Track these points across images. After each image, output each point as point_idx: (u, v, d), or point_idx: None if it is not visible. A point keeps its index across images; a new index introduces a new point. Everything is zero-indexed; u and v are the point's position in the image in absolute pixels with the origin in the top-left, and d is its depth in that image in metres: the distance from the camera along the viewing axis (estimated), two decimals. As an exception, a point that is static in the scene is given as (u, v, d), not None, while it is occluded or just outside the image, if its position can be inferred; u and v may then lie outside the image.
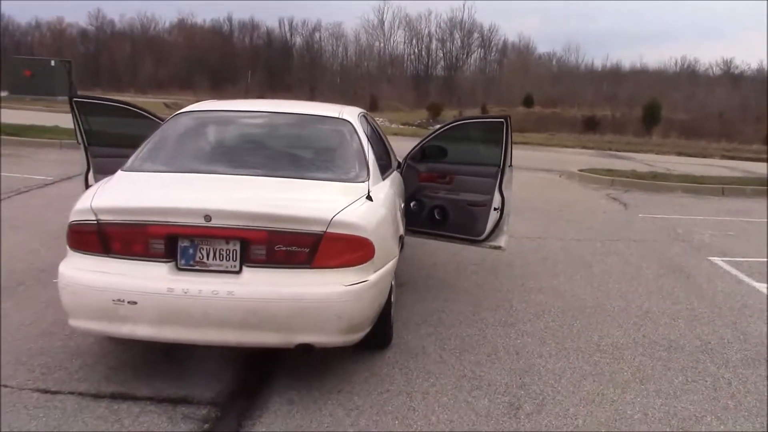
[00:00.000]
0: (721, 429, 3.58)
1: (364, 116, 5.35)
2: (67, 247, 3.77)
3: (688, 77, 72.85)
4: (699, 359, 4.54)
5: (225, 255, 3.54)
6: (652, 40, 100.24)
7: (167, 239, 3.53)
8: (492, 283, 6.02)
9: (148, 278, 3.51)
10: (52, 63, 33.38)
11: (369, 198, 3.92)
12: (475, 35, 79.82)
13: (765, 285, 6.38)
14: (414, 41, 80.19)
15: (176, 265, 3.56)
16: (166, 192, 3.88)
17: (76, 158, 11.83)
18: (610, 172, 14.64)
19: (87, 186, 5.54)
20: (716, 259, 7.37)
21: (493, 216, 5.48)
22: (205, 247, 3.54)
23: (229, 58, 75.21)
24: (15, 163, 11.40)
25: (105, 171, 5.40)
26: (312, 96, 59.29)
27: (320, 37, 79.71)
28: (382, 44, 79.41)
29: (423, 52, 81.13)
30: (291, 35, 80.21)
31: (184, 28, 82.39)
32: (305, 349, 3.60)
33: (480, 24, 79.03)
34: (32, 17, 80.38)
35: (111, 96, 32.03)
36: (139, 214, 3.60)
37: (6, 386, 3.69)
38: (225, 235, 3.51)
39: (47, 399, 3.57)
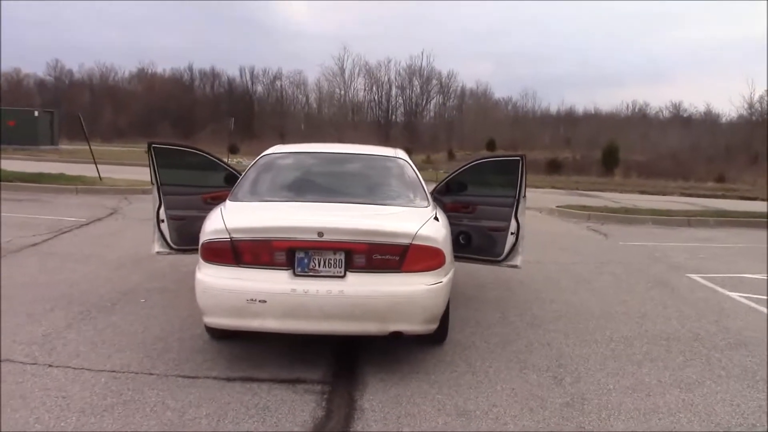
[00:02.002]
0: (718, 390, 4.65)
1: (407, 156, 6.45)
2: (201, 260, 4.70)
3: (639, 120, 75.77)
4: (692, 345, 5.65)
5: (332, 263, 4.54)
6: (603, 84, 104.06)
7: (287, 252, 4.53)
8: (511, 297, 7.09)
9: (274, 282, 4.49)
10: (36, 113, 34.03)
11: (436, 219, 4.98)
12: (434, 82, 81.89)
13: (736, 293, 7.58)
14: (374, 88, 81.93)
15: (293, 272, 4.54)
16: (286, 215, 4.90)
17: (94, 202, 12.82)
18: (585, 207, 15.96)
19: (158, 219, 6.42)
20: (693, 275, 8.59)
21: (510, 239, 6.48)
22: (316, 257, 4.54)
23: (190, 106, 75.67)
24: (43, 206, 12.22)
25: (173, 206, 6.39)
26: (282, 141, 60.48)
27: (281, 85, 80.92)
28: (342, 91, 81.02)
29: (383, 99, 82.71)
30: (252, 83, 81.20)
31: (144, 77, 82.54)
32: (396, 336, 4.60)
33: (438, 71, 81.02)
34: None
35: (69, 146, 32.53)
36: (266, 232, 4.59)
37: (152, 374, 4.59)
38: (333, 247, 4.52)
39: (190, 382, 4.47)
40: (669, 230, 13.78)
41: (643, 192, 25.68)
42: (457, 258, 6.92)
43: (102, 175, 16.71)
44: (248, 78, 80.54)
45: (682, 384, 4.74)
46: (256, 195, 5.39)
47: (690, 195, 25.23)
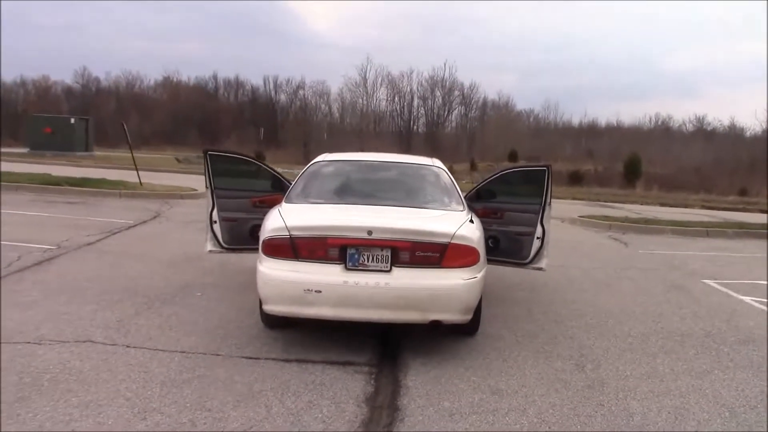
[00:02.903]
0: (725, 378, 5.16)
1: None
2: (262, 254, 5.29)
3: (662, 133, 75.79)
4: (704, 341, 6.16)
5: (380, 259, 5.12)
6: (627, 97, 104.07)
7: (340, 248, 5.12)
8: (536, 297, 7.63)
9: (329, 274, 5.08)
10: (72, 121, 35.14)
11: (471, 221, 5.56)
12: (456, 93, 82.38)
13: (749, 297, 8.07)
14: (396, 98, 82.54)
15: (345, 266, 5.12)
16: (339, 215, 5.51)
17: (137, 206, 13.54)
18: (606, 218, 16.44)
19: (211, 221, 7.04)
20: (709, 281, 9.08)
21: (536, 244, 6.99)
22: (365, 253, 5.12)
23: (214, 114, 76.55)
24: (92, 209, 12.96)
25: (225, 208, 7.00)
26: (306, 150, 61.32)
27: (304, 95, 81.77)
28: (365, 101, 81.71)
29: (405, 109, 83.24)
30: (276, 93, 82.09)
31: (169, 85, 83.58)
32: (436, 324, 5.18)
33: (461, 82, 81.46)
34: (17, 75, 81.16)
35: (102, 152, 33.47)
36: (322, 230, 5.19)
37: (218, 354, 5.18)
38: (381, 244, 5.10)
39: (252, 362, 5.06)
40: (688, 240, 14.24)
41: (663, 204, 26.01)
42: (487, 261, 7.51)
43: (141, 181, 17.44)
44: (272, 87, 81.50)
45: (693, 372, 5.27)
46: (308, 198, 6.01)
47: (711, 208, 25.54)
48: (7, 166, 19.80)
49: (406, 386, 4.71)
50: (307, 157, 53.99)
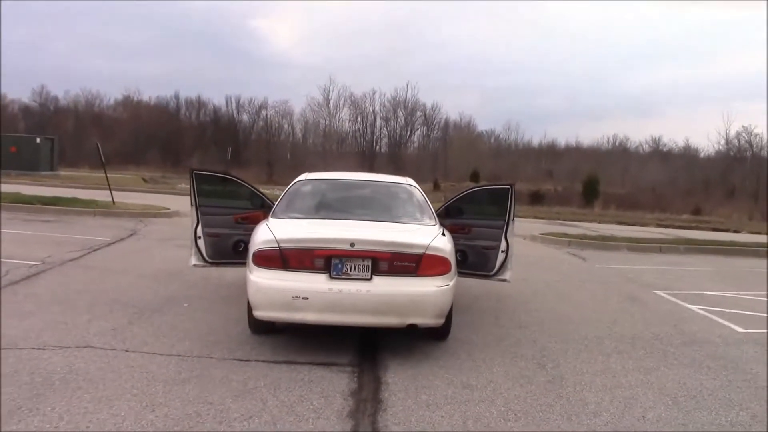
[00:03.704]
0: (670, 373, 5.78)
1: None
2: (253, 265, 5.75)
3: (620, 154, 77.71)
4: (653, 343, 6.80)
5: (361, 268, 5.64)
6: (586, 118, 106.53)
7: (325, 258, 5.62)
8: (502, 306, 8.21)
9: (315, 282, 5.57)
10: (38, 140, 35.02)
11: (443, 234, 6.13)
12: (418, 113, 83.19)
13: (695, 306, 8.79)
14: (359, 119, 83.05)
15: (330, 275, 5.63)
16: (324, 229, 6.01)
17: (112, 224, 13.86)
18: (566, 235, 17.21)
19: (195, 236, 7.48)
20: (660, 292, 9.80)
21: (501, 257, 7.54)
22: (348, 263, 5.64)
23: (176, 134, 75.86)
24: (68, 227, 13.25)
25: (209, 224, 7.45)
26: (269, 170, 61.64)
27: (267, 115, 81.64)
28: (328, 121, 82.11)
29: (368, 129, 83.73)
30: (238, 112, 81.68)
31: (129, 104, 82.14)
32: (412, 328, 5.71)
33: (423, 103, 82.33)
34: None
35: (65, 171, 33.46)
36: (309, 243, 5.70)
37: (212, 357, 5.63)
38: (362, 255, 5.62)
39: (244, 363, 5.51)
40: (642, 255, 15.06)
41: (621, 222, 26.96)
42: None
43: (110, 200, 17.69)
44: (234, 107, 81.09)
45: (642, 369, 5.88)
46: (293, 213, 6.52)
47: (665, 226, 26.57)
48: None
49: (386, 383, 5.21)
50: (271, 177, 54.38)
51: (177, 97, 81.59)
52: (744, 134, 67.35)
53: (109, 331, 6.21)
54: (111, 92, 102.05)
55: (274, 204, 7.25)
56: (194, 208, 7.58)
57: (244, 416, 4.38)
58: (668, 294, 9.71)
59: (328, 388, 5.00)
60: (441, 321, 5.85)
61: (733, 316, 8.31)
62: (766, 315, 8.48)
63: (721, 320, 8.09)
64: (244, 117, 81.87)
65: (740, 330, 7.60)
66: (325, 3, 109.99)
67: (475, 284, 8.17)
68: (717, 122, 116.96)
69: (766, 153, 64.70)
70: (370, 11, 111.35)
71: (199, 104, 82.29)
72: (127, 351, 5.65)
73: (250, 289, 5.76)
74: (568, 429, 4.46)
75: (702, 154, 73.03)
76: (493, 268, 7.48)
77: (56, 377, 4.92)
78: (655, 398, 5.15)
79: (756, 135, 66.53)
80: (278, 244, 5.66)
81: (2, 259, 9.13)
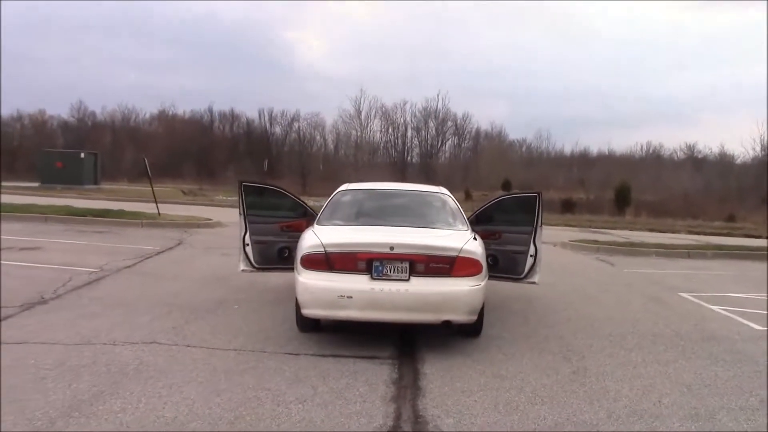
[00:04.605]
0: (686, 365, 6.23)
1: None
2: (301, 267, 6.33)
3: (653, 161, 77.21)
4: (673, 339, 7.25)
5: (399, 270, 6.18)
6: (619, 125, 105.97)
7: (367, 261, 6.19)
8: (531, 307, 8.69)
9: (358, 283, 6.13)
10: (82, 155, 36.38)
11: (475, 239, 6.66)
12: (449, 123, 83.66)
13: (717, 306, 9.18)
14: (390, 129, 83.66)
15: (371, 276, 6.18)
16: (366, 234, 6.59)
17: (159, 234, 14.59)
18: (595, 242, 17.59)
19: (244, 243, 8.08)
20: (684, 294, 10.21)
21: (530, 261, 8.01)
22: (388, 265, 6.19)
23: (209, 147, 76.97)
24: (119, 237, 14.05)
25: (256, 232, 8.03)
26: (303, 181, 62.56)
27: (299, 127, 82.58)
28: (359, 133, 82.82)
29: (399, 140, 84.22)
30: (271, 125, 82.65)
31: (164, 118, 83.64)
32: (447, 324, 6.24)
33: (453, 113, 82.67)
34: (14, 109, 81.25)
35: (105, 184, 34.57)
36: (352, 247, 6.27)
37: (265, 351, 6.21)
38: (401, 258, 6.17)
39: (294, 357, 6.08)
40: (670, 261, 15.40)
41: (651, 230, 27.09)
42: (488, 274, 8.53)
43: (155, 211, 18.51)
44: (267, 119, 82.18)
45: (661, 361, 6.34)
46: (336, 221, 7.11)
47: (696, 233, 26.62)
48: (27, 199, 20.87)
49: (424, 373, 5.75)
50: (304, 188, 55.25)
51: (211, 110, 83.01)
52: (781, 139, 66.40)
53: (171, 329, 6.83)
54: (146, 107, 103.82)
55: (315, 213, 7.86)
56: (242, 216, 8.16)
57: (299, 399, 4.94)
58: (692, 296, 10.11)
59: (371, 378, 5.54)
60: (473, 318, 6.37)
61: (753, 315, 8.70)
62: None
63: (741, 319, 8.48)
64: (277, 129, 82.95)
65: (758, 328, 8.01)
66: (354, 14, 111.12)
67: (505, 287, 8.66)
68: (752, 127, 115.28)
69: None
70: (400, 22, 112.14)
71: (233, 117, 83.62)
72: (188, 346, 6.26)
73: (298, 289, 6.34)
74: (589, 412, 4.94)
75: (738, 161, 72.13)
76: (523, 271, 7.96)
77: (130, 368, 5.53)
78: (671, 386, 5.61)
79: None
80: (324, 248, 6.23)
81: (66, 267, 9.86)
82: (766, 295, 10.49)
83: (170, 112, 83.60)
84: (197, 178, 62.91)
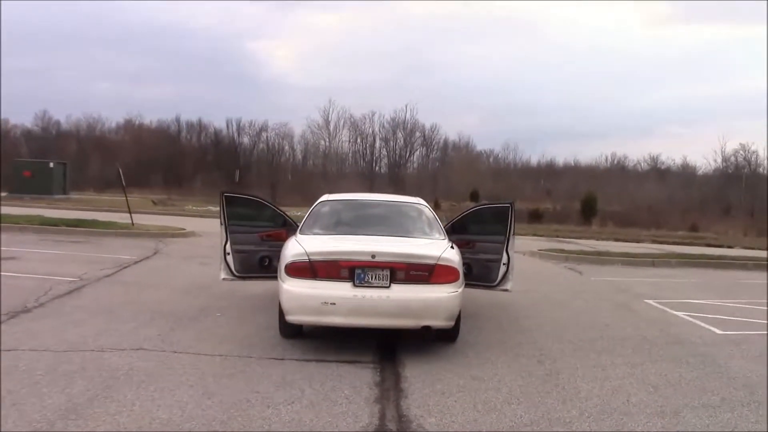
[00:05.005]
0: (653, 367, 6.58)
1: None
2: (285, 275, 6.56)
3: (618, 172, 78.58)
4: (640, 343, 7.62)
5: (381, 277, 6.44)
6: (584, 137, 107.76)
7: (349, 269, 6.44)
8: (504, 314, 9.01)
9: (341, 290, 6.38)
10: (51, 165, 36.02)
11: (452, 247, 6.96)
12: (417, 134, 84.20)
13: (681, 312, 9.62)
14: (359, 140, 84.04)
15: (353, 283, 6.43)
16: (348, 243, 6.84)
17: (134, 244, 14.66)
18: (563, 251, 18.06)
19: (225, 252, 8.27)
20: (650, 301, 10.65)
21: (502, 269, 8.27)
22: (370, 273, 6.45)
23: (177, 157, 76.17)
24: (96, 247, 14.11)
25: (237, 241, 8.23)
26: (272, 191, 62.44)
27: (267, 137, 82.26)
28: (328, 143, 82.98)
29: (367, 150, 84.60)
30: (239, 135, 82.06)
31: (131, 128, 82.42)
32: (426, 329, 6.51)
33: (422, 124, 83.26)
34: None
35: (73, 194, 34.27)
36: (335, 255, 6.52)
37: (251, 356, 6.42)
38: (382, 266, 6.43)
39: (280, 362, 6.29)
40: (635, 269, 15.92)
41: (617, 239, 27.75)
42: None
43: (128, 221, 18.54)
44: (235, 129, 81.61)
45: (629, 364, 6.69)
46: (318, 230, 7.35)
47: (661, 242, 27.33)
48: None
49: (405, 376, 6.01)
50: (274, 199, 55.14)
51: (178, 120, 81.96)
52: (741, 152, 68.29)
53: (156, 336, 6.99)
54: (112, 116, 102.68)
55: (295, 223, 8.10)
56: (223, 226, 8.34)
57: (287, 401, 5.17)
58: (657, 302, 10.55)
59: (355, 381, 5.78)
60: (451, 323, 6.66)
61: (714, 320, 9.15)
62: (743, 319, 9.39)
63: (703, 324, 8.92)
64: (245, 139, 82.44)
65: (719, 332, 8.45)
66: (323, 25, 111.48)
67: (480, 295, 8.94)
68: (714, 141, 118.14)
69: (764, 170, 65.59)
70: (369, 35, 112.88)
71: (200, 127, 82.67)
72: (175, 352, 6.44)
73: (283, 296, 6.57)
74: (562, 410, 5.25)
75: (700, 172, 73.85)
76: (496, 278, 8.24)
77: (120, 373, 5.70)
78: (639, 386, 5.95)
79: (753, 152, 67.46)
80: (308, 256, 6.47)
81: (45, 277, 9.95)
82: (725, 302, 10.98)
83: (137, 122, 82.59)
84: (165, 187, 62.27)
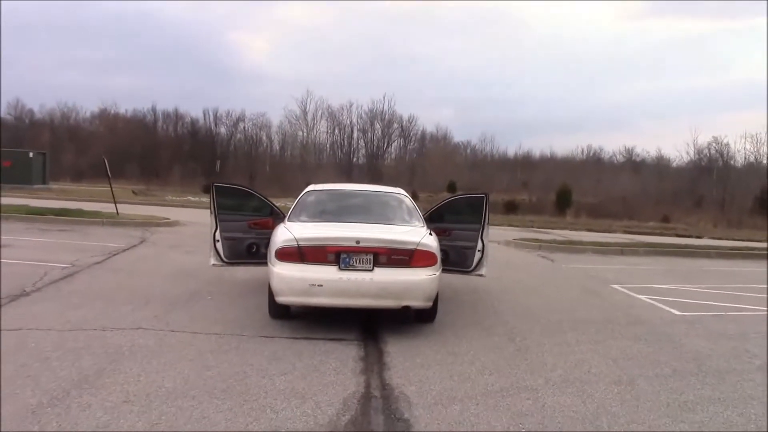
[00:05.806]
0: (614, 344, 7.18)
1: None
2: (275, 259, 7.03)
3: (594, 164, 79.65)
4: (604, 324, 8.22)
5: (364, 261, 6.96)
6: (561, 130, 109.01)
7: (336, 254, 6.95)
8: (479, 298, 9.57)
9: (327, 273, 6.88)
10: (30, 155, 36.01)
11: (430, 234, 7.49)
12: (395, 125, 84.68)
13: (644, 296, 10.26)
14: (336, 131, 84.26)
15: (339, 267, 6.94)
16: (334, 230, 7.34)
17: (121, 233, 15.04)
18: (537, 240, 18.71)
19: (214, 239, 8.74)
20: (616, 286, 11.30)
21: (477, 255, 8.84)
22: (354, 257, 6.96)
23: (153, 147, 75.43)
24: (83, 236, 14.46)
25: (226, 229, 8.69)
26: (251, 182, 62.54)
27: (245, 127, 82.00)
28: (305, 134, 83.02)
29: (345, 141, 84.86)
30: (216, 125, 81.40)
31: (105, 117, 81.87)
32: (406, 308, 7.05)
33: (399, 115, 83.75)
34: None
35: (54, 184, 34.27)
36: (322, 241, 7.02)
37: (243, 335, 6.91)
38: (365, 251, 6.94)
39: (270, 339, 6.78)
40: (605, 257, 16.62)
41: (590, 230, 28.47)
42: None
43: (113, 210, 18.86)
44: (212, 119, 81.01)
45: (593, 341, 7.28)
46: (305, 218, 7.85)
47: (632, 233, 28.14)
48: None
49: (387, 351, 6.53)
50: (253, 189, 55.04)
51: (154, 110, 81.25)
52: (714, 144, 69.65)
53: (153, 317, 7.44)
54: (87, 105, 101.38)
55: (281, 211, 8.59)
56: (213, 215, 8.79)
57: (280, 372, 5.67)
58: (622, 287, 11.20)
59: (341, 356, 6.30)
60: (429, 304, 7.19)
61: (673, 303, 9.82)
62: (701, 302, 10.13)
63: (663, 306, 9.58)
64: (222, 130, 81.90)
65: (677, 313, 9.11)
66: (300, 16, 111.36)
67: (456, 280, 9.50)
68: (686, 134, 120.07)
69: (735, 163, 67.02)
70: (347, 25, 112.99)
71: (177, 117, 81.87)
72: (173, 331, 6.90)
73: (273, 279, 7.06)
74: (530, 380, 5.81)
75: (674, 164, 75.11)
76: (471, 264, 8.81)
77: (124, 349, 6.16)
78: (600, 360, 6.54)
79: (726, 145, 68.86)
80: (297, 242, 6.96)
81: (38, 263, 10.33)
82: (685, 286, 11.69)
83: (112, 111, 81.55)
84: (142, 178, 62.06)
